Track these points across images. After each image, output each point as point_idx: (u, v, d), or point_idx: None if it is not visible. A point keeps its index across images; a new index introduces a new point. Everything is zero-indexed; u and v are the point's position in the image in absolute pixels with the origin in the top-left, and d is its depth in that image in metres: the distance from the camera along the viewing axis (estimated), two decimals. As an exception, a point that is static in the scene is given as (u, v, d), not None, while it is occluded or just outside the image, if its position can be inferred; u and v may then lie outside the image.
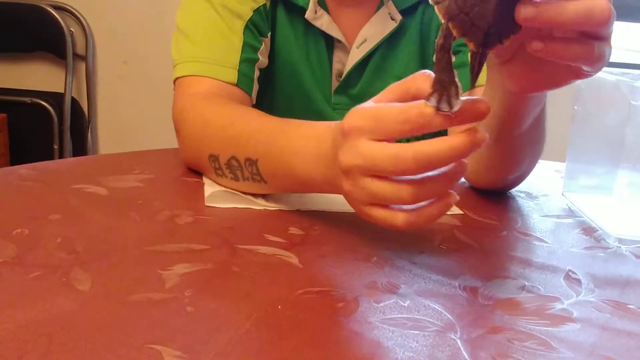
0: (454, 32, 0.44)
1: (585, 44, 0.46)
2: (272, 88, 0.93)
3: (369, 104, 0.51)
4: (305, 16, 0.88)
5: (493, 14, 0.43)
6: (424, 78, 0.49)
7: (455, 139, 0.47)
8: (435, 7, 0.44)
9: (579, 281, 0.56)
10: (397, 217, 0.50)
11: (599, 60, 0.48)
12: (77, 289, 0.46)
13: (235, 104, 0.76)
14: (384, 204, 0.50)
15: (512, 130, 0.66)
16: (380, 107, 0.50)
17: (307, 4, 0.88)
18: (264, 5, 0.87)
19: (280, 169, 0.63)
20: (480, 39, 0.44)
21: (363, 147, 0.49)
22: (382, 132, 0.49)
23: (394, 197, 0.49)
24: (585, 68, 0.49)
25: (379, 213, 0.51)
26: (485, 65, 0.49)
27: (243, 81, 0.82)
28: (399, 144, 0.48)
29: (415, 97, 0.49)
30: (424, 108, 0.46)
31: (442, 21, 0.44)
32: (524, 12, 0.43)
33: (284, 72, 0.92)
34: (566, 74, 0.51)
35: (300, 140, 0.60)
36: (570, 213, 0.75)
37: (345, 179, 0.52)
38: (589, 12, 0.44)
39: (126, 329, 0.42)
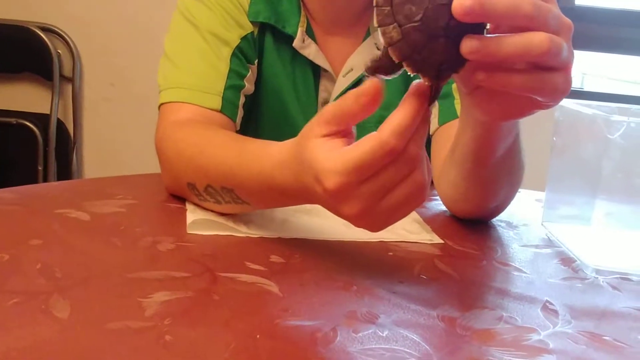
0: (409, 70, 0.47)
1: (531, 75, 0.48)
2: (258, 115, 0.94)
3: (321, 148, 0.51)
4: (293, 44, 0.89)
5: (443, 51, 0.46)
6: (352, 97, 0.50)
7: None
8: (389, 49, 0.46)
9: (556, 312, 0.56)
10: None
11: (553, 90, 0.49)
12: (56, 316, 0.46)
13: (205, 129, 0.76)
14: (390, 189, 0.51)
15: (485, 159, 0.67)
16: (352, 158, 0.49)
17: (295, 32, 0.89)
18: (252, 32, 0.88)
19: (257, 191, 0.63)
20: (433, 74, 0.47)
21: (361, 193, 0.50)
22: (370, 173, 0.49)
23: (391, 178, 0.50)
24: (539, 98, 0.51)
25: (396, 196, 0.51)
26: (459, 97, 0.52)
27: (227, 107, 0.82)
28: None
29: (347, 116, 0.51)
30: (389, 139, 0.48)
31: (396, 61, 0.47)
32: (467, 46, 0.45)
33: (270, 99, 0.93)
34: (526, 104, 0.53)
35: (271, 161, 0.61)
36: (550, 243, 0.76)
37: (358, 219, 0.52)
38: (527, 44, 0.46)
39: (104, 357, 0.42)
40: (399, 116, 0.48)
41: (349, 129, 0.52)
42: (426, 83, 0.48)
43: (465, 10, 0.44)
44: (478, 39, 0.45)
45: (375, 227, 0.53)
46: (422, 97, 0.48)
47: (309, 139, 0.53)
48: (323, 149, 0.51)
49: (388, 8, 0.46)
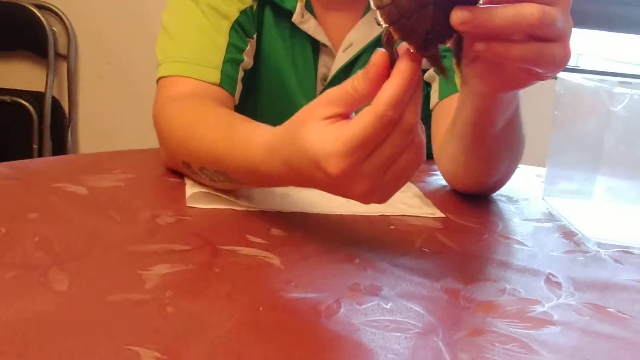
0: (395, 36, 0.46)
1: (529, 46, 0.48)
2: (257, 90, 0.93)
3: (325, 135, 0.49)
4: (292, 19, 0.88)
5: (431, 20, 0.45)
6: (360, 75, 0.49)
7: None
8: (378, 12, 0.46)
9: (559, 284, 0.56)
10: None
11: (550, 61, 0.49)
12: (55, 289, 0.46)
13: (199, 106, 0.74)
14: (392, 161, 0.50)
15: (485, 132, 0.67)
16: (353, 137, 0.47)
17: (294, 7, 0.88)
18: (251, 6, 0.87)
19: (249, 178, 0.62)
20: (420, 42, 0.46)
21: (366, 171, 0.49)
22: (371, 148, 0.48)
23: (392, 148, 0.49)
24: (538, 70, 0.50)
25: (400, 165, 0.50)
26: (457, 70, 0.53)
27: (226, 81, 0.81)
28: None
29: (355, 97, 0.49)
30: (385, 111, 0.47)
31: (384, 25, 0.46)
32: (457, 17, 0.45)
33: (268, 74, 0.92)
34: (525, 76, 0.53)
35: (259, 152, 0.59)
36: (551, 217, 0.76)
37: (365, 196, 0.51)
38: (518, 15, 0.46)
39: (105, 330, 0.41)
40: (393, 86, 0.47)
41: (349, 113, 0.50)
42: (412, 51, 0.47)
43: None
44: (468, 9, 0.45)
45: (383, 199, 0.52)
46: (413, 64, 0.47)
47: (305, 122, 0.50)
48: (320, 134, 0.49)
49: None
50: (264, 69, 0.92)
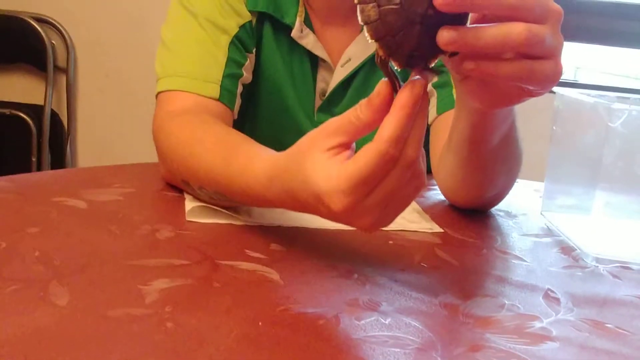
0: (380, 52, 0.46)
1: (519, 64, 0.48)
2: (255, 104, 0.93)
3: (330, 169, 0.49)
4: (291, 35, 0.89)
5: (417, 38, 0.45)
6: (364, 104, 0.48)
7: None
8: (365, 27, 0.46)
9: (557, 300, 0.56)
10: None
11: (542, 79, 0.49)
12: (54, 303, 0.46)
13: (198, 124, 0.74)
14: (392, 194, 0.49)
15: (481, 146, 0.67)
16: (355, 175, 0.47)
17: (293, 22, 0.88)
18: (250, 21, 0.87)
19: (249, 202, 0.63)
20: (404, 60, 0.46)
21: (368, 207, 0.49)
22: (373, 185, 0.48)
23: (397, 182, 0.49)
24: (529, 87, 0.51)
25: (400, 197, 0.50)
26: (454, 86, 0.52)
27: (225, 96, 0.82)
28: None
29: (358, 127, 0.49)
30: (386, 148, 0.46)
31: (370, 40, 0.46)
32: (443, 37, 0.45)
33: (267, 89, 0.92)
34: (517, 92, 0.53)
35: (257, 182, 0.59)
36: (549, 232, 0.76)
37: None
38: (505, 35, 0.46)
39: (105, 344, 0.41)
40: (394, 121, 0.46)
41: (352, 142, 0.50)
42: (396, 68, 0.47)
43: (446, 0, 0.43)
44: (455, 29, 0.45)
45: (385, 226, 0.52)
46: (414, 99, 0.46)
47: (309, 153, 0.50)
48: (323, 168, 0.49)
49: None
50: (262, 83, 0.92)
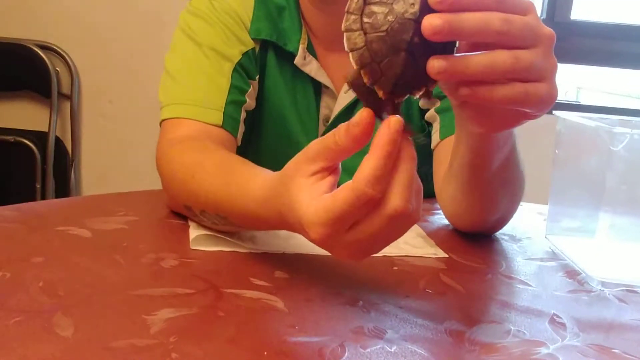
0: (365, 79, 0.46)
1: (513, 87, 0.48)
2: (259, 131, 0.94)
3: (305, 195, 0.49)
4: (295, 62, 0.89)
5: (402, 67, 0.45)
6: (342, 131, 0.48)
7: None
8: (350, 54, 0.46)
9: (563, 325, 0.56)
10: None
11: (537, 101, 0.49)
12: (59, 334, 0.46)
13: (199, 149, 0.74)
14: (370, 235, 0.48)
15: (482, 171, 0.67)
16: (330, 210, 0.46)
17: (297, 49, 0.89)
18: (253, 48, 0.88)
19: (248, 223, 0.63)
20: (389, 88, 0.46)
21: (346, 242, 0.48)
22: (351, 222, 0.47)
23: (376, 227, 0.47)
24: (526, 110, 0.51)
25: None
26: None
27: (228, 123, 0.82)
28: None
29: (337, 152, 0.48)
30: (364, 188, 0.45)
31: (355, 67, 0.46)
32: (433, 66, 0.45)
33: (270, 116, 0.93)
34: (514, 116, 0.53)
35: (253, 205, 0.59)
36: (554, 256, 0.76)
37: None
38: (492, 63, 0.46)
39: (110, 376, 0.41)
40: (371, 162, 0.45)
41: (336, 165, 0.50)
42: (380, 96, 0.47)
43: (435, 30, 0.44)
44: (444, 59, 0.45)
45: (366, 257, 0.51)
46: (390, 137, 0.45)
47: (294, 178, 0.50)
48: (306, 195, 0.48)
49: (357, 15, 0.46)
50: (266, 110, 0.93)
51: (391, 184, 0.46)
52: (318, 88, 0.93)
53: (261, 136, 0.94)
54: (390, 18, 0.45)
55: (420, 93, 0.47)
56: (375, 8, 0.45)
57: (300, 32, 0.89)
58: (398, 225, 0.47)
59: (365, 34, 0.46)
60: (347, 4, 0.47)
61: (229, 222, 0.65)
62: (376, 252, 0.50)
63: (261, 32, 0.88)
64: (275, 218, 0.55)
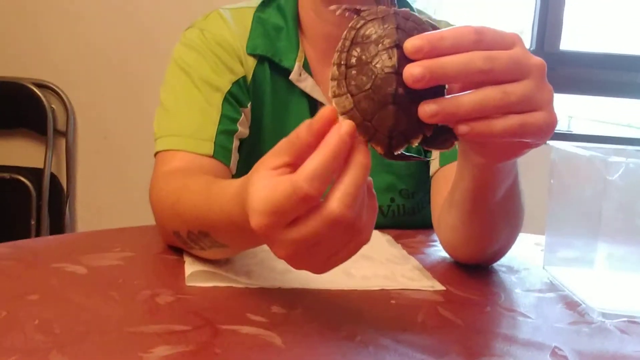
0: (361, 138, 0.47)
1: (511, 120, 0.48)
2: (256, 155, 0.94)
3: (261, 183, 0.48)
4: (290, 77, 0.91)
5: (392, 119, 0.46)
6: (304, 127, 0.48)
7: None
8: (340, 117, 0.47)
9: (565, 358, 0.55)
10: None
11: (536, 130, 0.49)
12: (54, 374, 0.45)
13: (186, 176, 0.75)
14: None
15: (485, 201, 0.67)
16: (268, 199, 0.46)
17: (292, 65, 0.90)
18: (244, 77, 0.89)
19: (226, 230, 0.61)
20: (385, 142, 0.47)
21: (285, 239, 0.47)
22: (289, 217, 0.47)
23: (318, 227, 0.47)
24: (526, 139, 0.51)
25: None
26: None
27: (220, 153, 0.83)
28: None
29: (298, 147, 0.48)
30: (301, 183, 0.45)
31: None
32: (425, 111, 0.46)
33: (265, 139, 0.93)
34: (516, 146, 0.53)
35: (229, 205, 0.58)
36: (552, 287, 0.75)
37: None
38: (482, 100, 0.47)
39: (105, 416, 0.40)
40: (314, 160, 0.45)
41: (298, 163, 0.48)
42: (379, 152, 0.48)
43: (416, 78, 0.44)
44: (434, 102, 0.46)
45: (316, 271, 0.51)
46: (338, 138, 0.45)
47: (258, 169, 0.50)
48: (259, 183, 0.48)
49: (342, 79, 0.48)
50: (261, 134, 0.93)
51: (333, 187, 0.46)
52: (313, 104, 0.93)
53: (259, 153, 0.94)
54: (371, 75, 0.46)
55: (418, 141, 0.48)
56: (356, 70, 0.47)
57: (296, 50, 0.91)
58: (338, 233, 0.47)
59: (351, 95, 0.47)
60: (330, 73, 0.48)
61: (213, 241, 0.64)
62: (330, 267, 0.50)
63: (257, 47, 0.90)
64: (241, 213, 0.52)
